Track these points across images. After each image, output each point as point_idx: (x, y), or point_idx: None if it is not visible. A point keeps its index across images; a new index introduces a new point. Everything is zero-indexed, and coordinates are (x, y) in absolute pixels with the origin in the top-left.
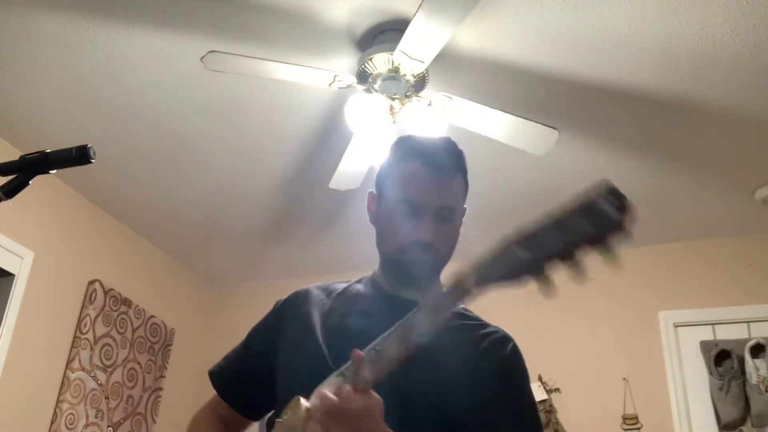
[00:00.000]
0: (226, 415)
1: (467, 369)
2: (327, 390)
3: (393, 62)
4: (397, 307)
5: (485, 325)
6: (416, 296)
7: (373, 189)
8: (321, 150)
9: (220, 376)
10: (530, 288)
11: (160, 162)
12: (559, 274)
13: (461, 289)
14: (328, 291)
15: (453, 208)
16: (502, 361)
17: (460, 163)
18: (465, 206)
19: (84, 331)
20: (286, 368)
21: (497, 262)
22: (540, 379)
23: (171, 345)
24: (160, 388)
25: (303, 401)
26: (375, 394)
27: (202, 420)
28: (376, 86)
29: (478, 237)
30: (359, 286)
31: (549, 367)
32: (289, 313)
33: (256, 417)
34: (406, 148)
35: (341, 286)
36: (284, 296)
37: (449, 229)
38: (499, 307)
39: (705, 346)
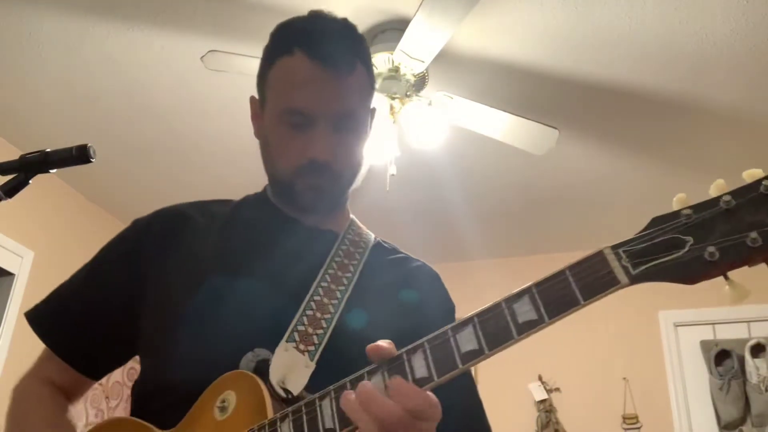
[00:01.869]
0: (60, 379)
1: (410, 317)
2: (370, 386)
3: (393, 62)
4: (311, 241)
5: (408, 257)
6: (328, 224)
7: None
8: None
9: (49, 321)
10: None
11: (161, 161)
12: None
13: (606, 277)
14: (209, 213)
15: (355, 114)
16: (444, 300)
17: (359, 49)
18: (373, 107)
19: None
20: (165, 318)
21: (660, 249)
22: (540, 379)
23: None
24: None
25: (254, 377)
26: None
27: (33, 394)
28: (376, 86)
29: (478, 237)
30: (250, 211)
31: (549, 367)
32: (160, 238)
33: (98, 375)
34: (286, 34)
35: (223, 207)
36: None
37: (352, 141)
38: None
39: (705, 346)
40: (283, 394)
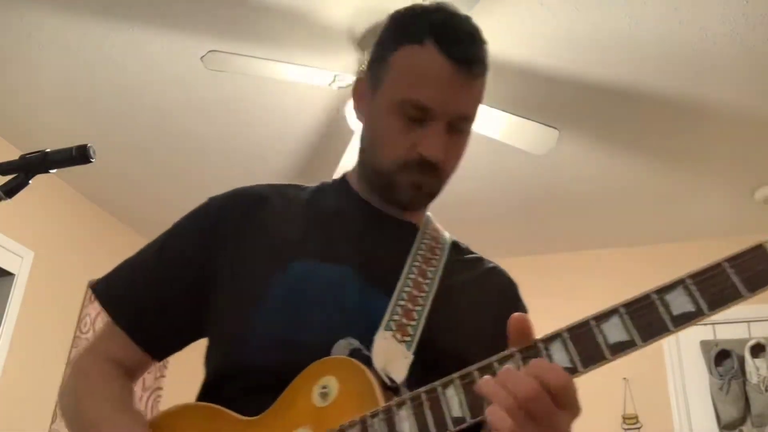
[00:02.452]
0: (121, 357)
1: (490, 315)
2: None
3: None
4: (394, 232)
5: (482, 258)
6: (407, 216)
7: (362, 74)
8: (321, 150)
9: (117, 297)
10: (526, 288)
11: (161, 162)
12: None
13: (729, 289)
14: (286, 197)
15: (472, 118)
16: (519, 302)
17: (486, 55)
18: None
19: (84, 330)
20: (247, 300)
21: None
22: None
23: None
24: (160, 388)
25: (359, 364)
26: None
27: (97, 372)
28: None
29: (477, 237)
30: (331, 198)
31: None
32: (237, 218)
33: (162, 355)
34: (417, 21)
35: (298, 192)
36: None
37: (461, 144)
38: None
39: (705, 346)
40: (389, 382)
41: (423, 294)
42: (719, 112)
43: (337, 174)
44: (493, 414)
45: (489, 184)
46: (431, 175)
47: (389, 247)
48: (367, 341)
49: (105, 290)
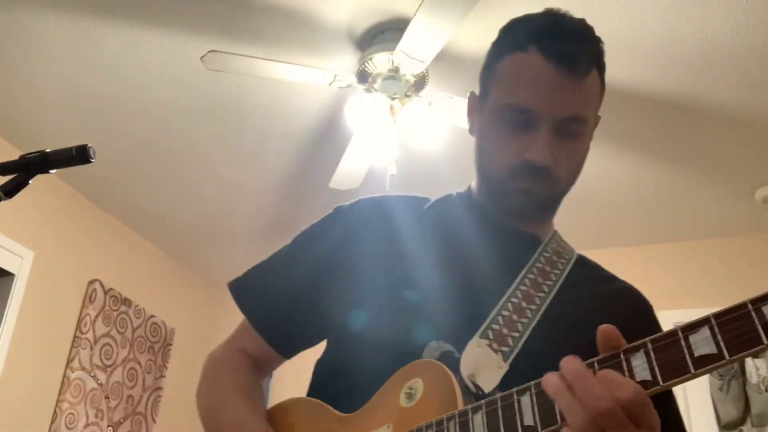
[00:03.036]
0: (254, 351)
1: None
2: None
3: (393, 62)
4: (513, 243)
5: (614, 277)
6: (532, 228)
7: (476, 89)
8: (321, 150)
9: (252, 298)
10: None
11: (160, 162)
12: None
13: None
14: (410, 208)
15: (583, 119)
16: (649, 321)
17: (596, 52)
18: (599, 114)
19: (84, 330)
20: (360, 304)
21: None
22: None
23: (171, 345)
24: (160, 388)
25: (445, 368)
26: None
27: (227, 362)
28: (376, 86)
29: None
30: (454, 208)
31: None
32: (362, 227)
33: (291, 353)
34: (522, 29)
35: (424, 203)
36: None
37: (575, 147)
38: None
39: None
40: (473, 389)
41: (533, 307)
42: (719, 112)
43: (336, 173)
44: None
45: None
46: (541, 181)
47: (504, 258)
48: (463, 345)
49: (241, 291)
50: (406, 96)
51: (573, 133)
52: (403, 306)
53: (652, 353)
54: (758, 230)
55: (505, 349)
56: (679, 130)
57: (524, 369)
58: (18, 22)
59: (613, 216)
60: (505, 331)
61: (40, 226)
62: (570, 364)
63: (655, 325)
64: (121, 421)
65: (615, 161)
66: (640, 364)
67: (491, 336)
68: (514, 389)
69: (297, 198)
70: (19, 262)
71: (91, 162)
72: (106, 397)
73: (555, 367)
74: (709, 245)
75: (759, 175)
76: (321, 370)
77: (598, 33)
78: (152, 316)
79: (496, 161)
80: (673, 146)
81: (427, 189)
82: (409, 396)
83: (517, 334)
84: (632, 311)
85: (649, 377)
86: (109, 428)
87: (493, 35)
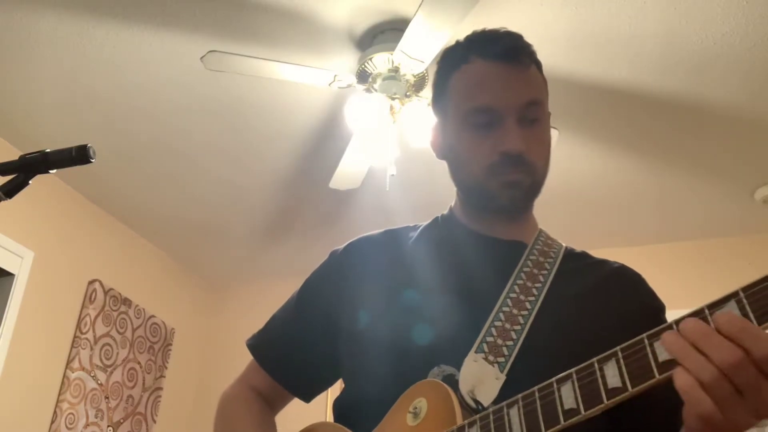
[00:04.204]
0: (268, 392)
1: (614, 318)
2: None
3: (393, 62)
4: (499, 253)
5: (604, 260)
6: (515, 234)
7: (434, 122)
8: (321, 150)
9: (267, 349)
10: None
11: (160, 162)
12: None
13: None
14: (399, 239)
15: (539, 101)
16: (651, 298)
17: (529, 51)
18: (549, 111)
19: (84, 330)
20: (369, 334)
21: None
22: None
23: (171, 345)
24: (160, 388)
25: (446, 386)
26: None
27: (240, 399)
28: (376, 86)
29: None
30: (437, 231)
31: None
32: (357, 265)
33: (309, 397)
34: (455, 52)
35: (413, 232)
36: (275, 299)
37: (539, 133)
38: None
39: None
40: (473, 404)
41: (524, 312)
42: (719, 112)
43: (336, 173)
44: (688, 387)
45: None
46: (520, 170)
47: (493, 270)
48: (461, 363)
49: (254, 345)
50: (406, 96)
51: (534, 119)
52: (401, 334)
53: (622, 360)
54: (758, 230)
55: (501, 359)
56: (679, 130)
57: (522, 375)
58: (18, 22)
59: (613, 216)
60: (499, 341)
61: (40, 226)
62: (689, 323)
63: (651, 295)
64: (121, 421)
65: (615, 161)
66: (611, 372)
67: (486, 349)
68: (504, 402)
69: (297, 198)
70: (19, 262)
71: (91, 162)
72: (106, 397)
73: (552, 365)
74: (709, 245)
75: (759, 175)
76: (338, 407)
77: (598, 33)
78: (152, 316)
79: (473, 165)
80: (672, 146)
81: (427, 189)
82: (415, 415)
83: (511, 343)
84: (629, 286)
85: (619, 384)
86: (109, 428)
87: None
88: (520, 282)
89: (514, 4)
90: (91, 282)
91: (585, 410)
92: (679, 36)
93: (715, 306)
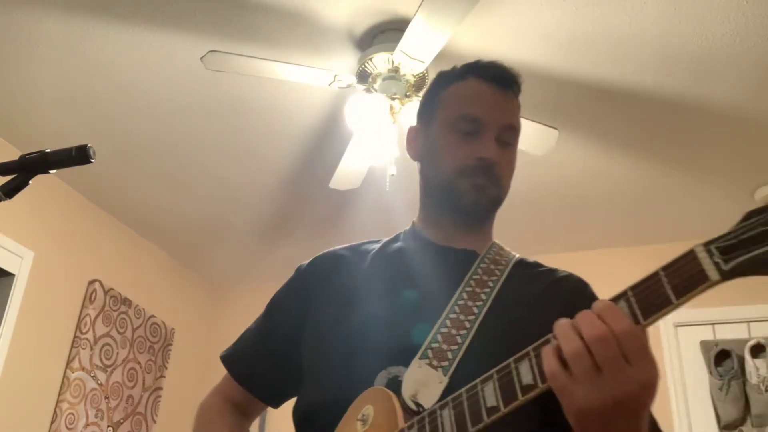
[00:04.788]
0: (240, 401)
1: (557, 315)
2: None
3: (393, 62)
4: (451, 261)
5: (553, 269)
6: (471, 244)
7: (413, 124)
8: (321, 150)
9: (236, 359)
10: None
11: (160, 162)
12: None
13: (697, 275)
14: (361, 252)
15: (516, 130)
16: (590, 295)
17: (519, 84)
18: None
19: (84, 331)
20: (319, 347)
21: (754, 242)
22: None
23: (171, 345)
24: (160, 388)
25: (389, 393)
26: None
27: (214, 408)
28: (376, 86)
29: None
30: (397, 244)
31: None
32: (317, 280)
33: (277, 403)
34: (460, 68)
35: (374, 245)
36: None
37: (510, 156)
38: None
39: (705, 346)
40: (414, 407)
41: (471, 317)
42: (719, 112)
43: (336, 173)
44: (547, 355)
45: None
46: (490, 178)
47: (445, 278)
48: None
49: (226, 357)
50: (406, 96)
51: (508, 143)
52: (355, 341)
53: (533, 360)
54: None
55: (445, 363)
56: (678, 130)
57: (465, 377)
58: (18, 22)
59: (613, 216)
60: (444, 347)
61: (40, 226)
62: (579, 314)
63: (593, 296)
64: (121, 421)
65: (614, 161)
66: (525, 370)
67: (431, 355)
68: (437, 404)
69: (297, 198)
70: (19, 262)
71: (91, 162)
72: (106, 397)
73: (495, 366)
74: None
75: (759, 175)
76: (296, 415)
77: (598, 33)
78: (152, 316)
79: (449, 164)
80: (672, 146)
81: None
82: (363, 422)
83: (456, 347)
84: (573, 292)
85: (531, 381)
86: (109, 428)
87: (493, 35)
88: (468, 289)
89: (514, 4)
90: (91, 282)
91: (504, 407)
92: (679, 36)
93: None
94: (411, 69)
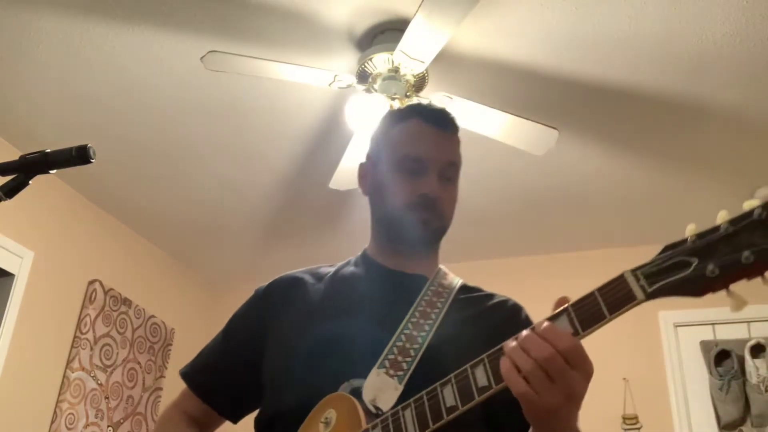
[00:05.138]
0: (198, 415)
1: (495, 339)
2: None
3: (393, 62)
4: (404, 285)
5: (493, 294)
6: (420, 269)
7: (364, 161)
8: (321, 150)
9: (196, 375)
10: (527, 288)
11: (160, 162)
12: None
13: (625, 295)
14: (317, 275)
15: (457, 166)
16: (524, 322)
17: (455, 122)
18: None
19: (84, 331)
20: (282, 360)
21: (671, 269)
22: None
23: (171, 345)
24: (160, 388)
25: (351, 397)
26: None
27: (173, 421)
28: (376, 86)
29: (477, 237)
30: (351, 268)
31: None
32: (277, 300)
33: (236, 418)
34: (403, 110)
35: (329, 269)
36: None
37: (452, 190)
38: None
39: (705, 346)
40: (374, 410)
41: (422, 333)
42: (719, 112)
43: (336, 173)
44: (506, 371)
45: (489, 184)
46: (433, 213)
47: (398, 298)
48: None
49: (186, 372)
50: (406, 96)
51: (450, 179)
52: (318, 355)
53: (487, 365)
54: None
55: (400, 373)
56: (678, 130)
57: (418, 385)
58: (18, 22)
59: (613, 216)
60: (399, 358)
61: (40, 226)
62: (523, 333)
63: (527, 322)
64: (121, 421)
65: (615, 161)
66: (563, 323)
67: (388, 365)
68: (399, 406)
69: (297, 198)
70: (19, 262)
71: (91, 162)
72: (106, 398)
73: (444, 376)
74: None
75: (759, 175)
76: (259, 423)
77: (598, 33)
78: (152, 316)
79: (397, 200)
80: (672, 146)
81: None
82: (326, 424)
83: (410, 359)
84: (508, 316)
85: (486, 384)
86: (109, 428)
87: (493, 35)
88: (420, 309)
89: (514, 4)
90: (91, 282)
91: (462, 405)
92: (679, 36)
93: (552, 318)
94: (411, 69)
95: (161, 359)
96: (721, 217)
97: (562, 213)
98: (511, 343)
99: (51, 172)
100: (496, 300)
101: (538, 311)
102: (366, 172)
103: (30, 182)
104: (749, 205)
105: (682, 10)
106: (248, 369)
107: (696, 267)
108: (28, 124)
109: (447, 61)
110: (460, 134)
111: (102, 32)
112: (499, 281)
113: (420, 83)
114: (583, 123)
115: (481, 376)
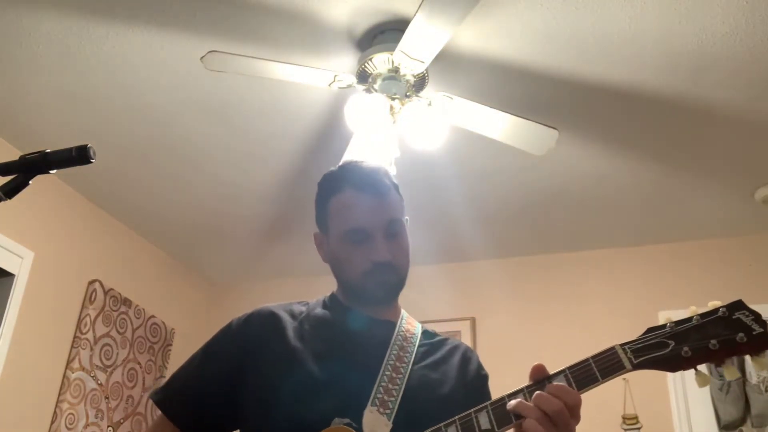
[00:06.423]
0: None
1: (457, 381)
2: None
3: (393, 62)
4: (373, 330)
5: (446, 338)
6: (386, 316)
7: (316, 231)
8: (321, 150)
9: (171, 400)
10: (527, 288)
11: (160, 162)
12: (552, 275)
13: (615, 365)
14: (291, 313)
15: (400, 219)
16: (479, 368)
17: (388, 178)
18: (406, 218)
19: (84, 331)
20: (267, 393)
21: (653, 347)
22: None
23: (171, 345)
24: None
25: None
26: None
27: None
28: (376, 86)
29: (478, 237)
30: (325, 311)
31: (549, 367)
32: (256, 334)
33: None
34: (332, 181)
35: (302, 307)
36: (275, 299)
37: (401, 242)
38: (499, 307)
39: None
40: None
41: (400, 375)
42: (719, 112)
43: None
44: (534, 426)
45: (489, 184)
46: (388, 273)
47: (373, 342)
48: (358, 414)
49: (159, 397)
50: (406, 96)
51: (396, 233)
52: (305, 394)
53: (490, 412)
54: (758, 230)
55: (388, 411)
56: (679, 130)
57: (403, 421)
58: (17, 22)
59: (613, 216)
60: (386, 397)
61: (40, 226)
62: (535, 394)
63: (479, 364)
64: (121, 421)
65: (615, 161)
66: (483, 419)
67: (378, 403)
68: None
69: (297, 198)
70: (19, 262)
71: (91, 162)
72: (106, 398)
73: (423, 413)
74: (709, 245)
75: (759, 175)
76: None
77: (598, 33)
78: (152, 316)
79: (351, 272)
80: (673, 146)
81: (427, 189)
82: None
83: (393, 398)
84: (466, 357)
85: (488, 427)
86: (109, 428)
87: (494, 35)
88: (395, 352)
89: (514, 4)
90: (91, 282)
91: None
92: (679, 36)
93: (551, 377)
94: (411, 69)
95: (161, 359)
96: (692, 311)
97: (562, 213)
98: (523, 403)
99: (51, 172)
100: (452, 343)
101: (539, 311)
102: (321, 242)
103: (30, 182)
104: (713, 305)
105: (682, 10)
106: (222, 398)
107: (673, 348)
108: (28, 124)
109: (447, 61)
110: (460, 134)
111: (102, 32)
112: (500, 281)
113: (420, 83)
114: (583, 123)
115: (485, 421)
